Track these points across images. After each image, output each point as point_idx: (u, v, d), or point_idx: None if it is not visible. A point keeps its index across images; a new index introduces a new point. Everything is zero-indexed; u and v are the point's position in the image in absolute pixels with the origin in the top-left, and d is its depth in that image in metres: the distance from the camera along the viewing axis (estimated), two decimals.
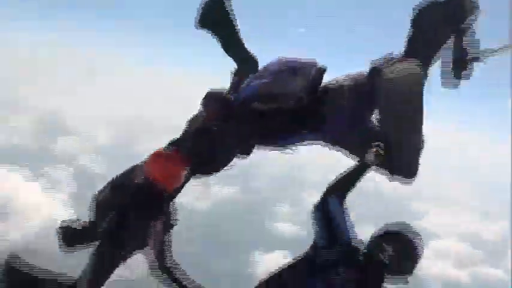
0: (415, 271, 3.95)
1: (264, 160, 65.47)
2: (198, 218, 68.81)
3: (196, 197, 75.34)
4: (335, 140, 4.37)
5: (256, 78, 4.46)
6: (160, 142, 4.64)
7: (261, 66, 4.75)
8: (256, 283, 4.17)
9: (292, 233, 76.79)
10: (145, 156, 4.47)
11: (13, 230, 67.03)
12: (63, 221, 4.55)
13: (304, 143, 4.54)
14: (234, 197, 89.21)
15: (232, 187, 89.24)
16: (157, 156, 4.41)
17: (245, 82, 4.54)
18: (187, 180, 4.50)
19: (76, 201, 69.06)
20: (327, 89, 4.33)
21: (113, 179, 4.55)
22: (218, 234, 71.73)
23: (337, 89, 4.29)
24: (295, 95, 4.13)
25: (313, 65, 4.33)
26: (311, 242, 4.13)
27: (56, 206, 73.51)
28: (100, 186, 4.67)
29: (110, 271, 4.33)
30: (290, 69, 4.28)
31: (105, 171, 73.61)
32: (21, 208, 71.84)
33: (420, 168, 4.12)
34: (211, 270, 52.81)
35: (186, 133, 4.58)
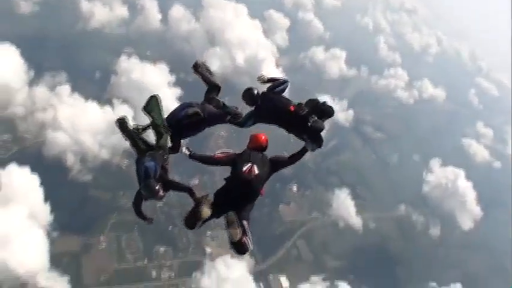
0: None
1: None
2: None
3: None
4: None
5: (179, 110, 7.80)
6: None
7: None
8: None
9: None
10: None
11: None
12: None
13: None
14: None
15: None
16: (254, 136, 7.71)
17: (173, 112, 7.84)
18: None
19: None
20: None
21: None
22: None
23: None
24: (200, 115, 7.69)
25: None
26: None
27: None
28: None
29: None
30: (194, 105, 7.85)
31: None
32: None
33: None
34: None
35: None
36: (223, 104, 8.05)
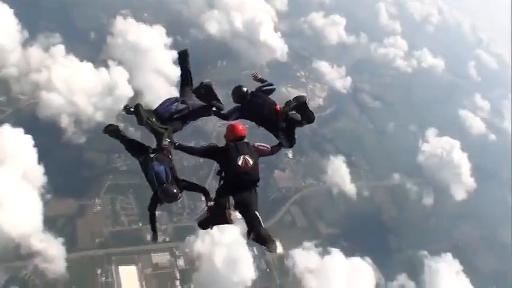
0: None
1: None
2: None
3: None
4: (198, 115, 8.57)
5: (168, 105, 8.10)
6: None
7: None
8: None
9: None
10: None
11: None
12: None
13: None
14: None
15: None
16: (233, 126, 7.84)
17: (162, 107, 8.08)
18: None
19: None
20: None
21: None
22: None
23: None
24: (189, 108, 8.19)
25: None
26: None
27: None
28: None
29: None
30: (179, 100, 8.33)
31: None
32: None
33: None
34: None
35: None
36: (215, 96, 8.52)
